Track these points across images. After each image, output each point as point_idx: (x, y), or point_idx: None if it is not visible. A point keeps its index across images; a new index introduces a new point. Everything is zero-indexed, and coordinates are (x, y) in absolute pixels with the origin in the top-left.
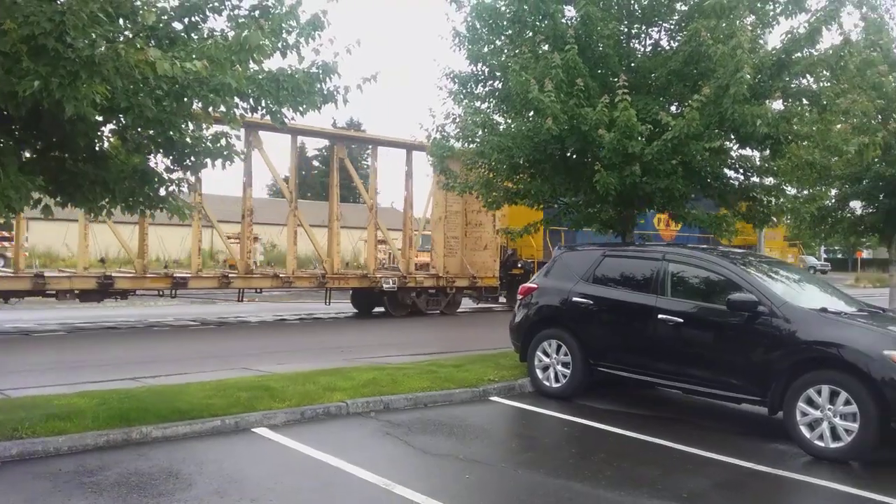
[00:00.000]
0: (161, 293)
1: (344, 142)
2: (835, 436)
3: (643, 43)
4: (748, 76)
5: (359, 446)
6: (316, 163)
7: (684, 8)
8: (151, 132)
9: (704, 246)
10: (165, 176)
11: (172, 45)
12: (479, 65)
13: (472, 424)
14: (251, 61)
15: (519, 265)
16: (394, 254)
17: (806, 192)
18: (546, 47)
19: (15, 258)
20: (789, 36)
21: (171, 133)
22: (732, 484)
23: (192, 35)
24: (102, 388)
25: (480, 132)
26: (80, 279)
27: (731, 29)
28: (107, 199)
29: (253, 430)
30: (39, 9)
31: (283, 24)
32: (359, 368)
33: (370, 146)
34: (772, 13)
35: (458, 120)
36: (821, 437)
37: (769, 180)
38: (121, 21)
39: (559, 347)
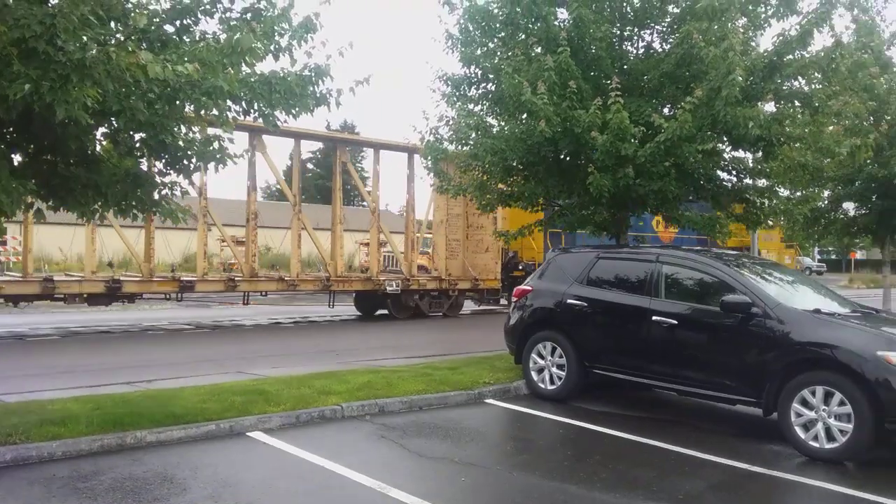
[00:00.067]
0: (168, 297)
1: (346, 145)
2: (829, 436)
3: (636, 45)
4: (740, 78)
5: (354, 450)
6: (310, 165)
7: (676, 10)
8: (143, 135)
9: (698, 248)
10: (158, 179)
11: (164, 47)
12: (472, 67)
13: (467, 427)
14: (243, 64)
15: (520, 267)
16: (394, 256)
17: (799, 193)
18: (539, 50)
19: (24, 263)
20: (781, 38)
21: (164, 136)
22: (728, 485)
23: (184, 38)
24: (97, 392)
25: (474, 134)
26: (89, 283)
27: (722, 31)
28: (99, 203)
29: (248, 434)
30: (30, 12)
31: (276, 27)
32: (354, 371)
33: (372, 150)
34: (763, 15)
35: (451, 122)
36: (815, 438)
37: (762, 182)
38: (112, 24)
39: (554, 349)
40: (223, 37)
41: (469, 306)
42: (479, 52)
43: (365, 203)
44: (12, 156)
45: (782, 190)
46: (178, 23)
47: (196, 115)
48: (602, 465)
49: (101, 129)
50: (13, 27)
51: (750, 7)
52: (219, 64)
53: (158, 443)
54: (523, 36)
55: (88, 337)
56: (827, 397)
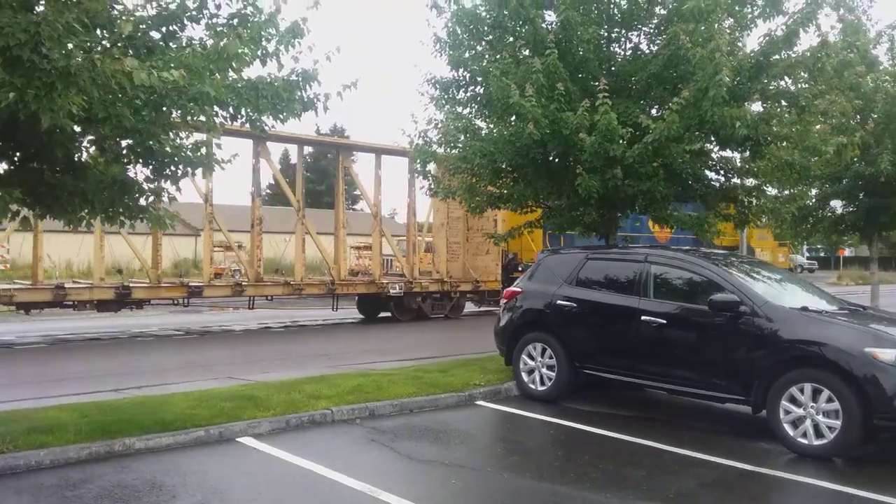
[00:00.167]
0: (175, 302)
1: (349, 151)
2: (818, 433)
3: (623, 47)
4: (727, 79)
5: (344, 454)
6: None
7: (663, 12)
8: (130, 142)
9: (687, 247)
10: (145, 186)
11: (150, 54)
12: (461, 70)
13: (457, 429)
14: (230, 70)
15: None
16: (390, 260)
17: (787, 192)
18: (526, 52)
19: (33, 271)
20: (767, 38)
21: (151, 143)
22: (718, 483)
23: (171, 44)
24: (85, 400)
25: (462, 137)
26: (99, 290)
27: (709, 32)
28: (86, 211)
29: (237, 439)
30: (14, 20)
31: (263, 32)
32: (344, 375)
33: (374, 154)
34: (750, 16)
35: (440, 125)
36: (804, 435)
37: (750, 181)
38: (98, 31)
39: (544, 350)
40: (210, 42)
41: (470, 307)
42: (467, 55)
43: (356, 207)
44: None
45: (770, 189)
46: (164, 29)
47: (183, 122)
48: (593, 465)
49: (88, 137)
50: None
51: (736, 8)
52: (205, 70)
53: (147, 450)
54: (511, 39)
55: (76, 344)
56: (815, 394)
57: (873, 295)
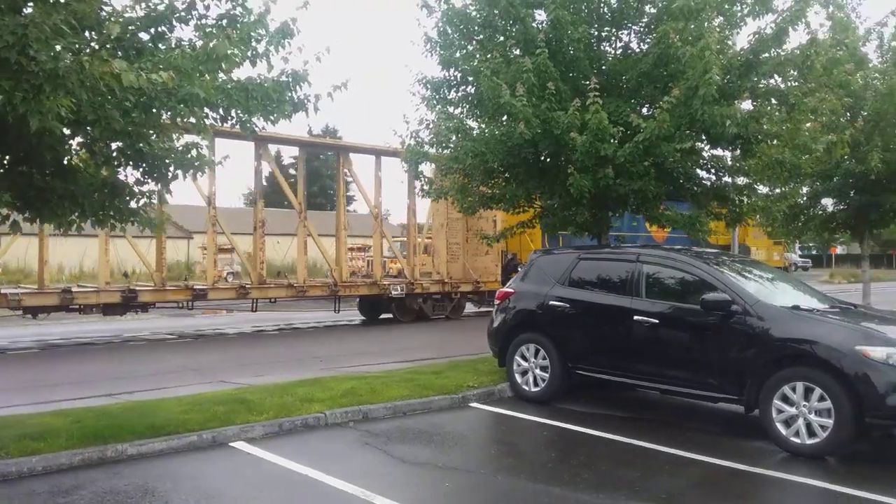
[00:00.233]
0: (180, 305)
1: (348, 153)
2: (810, 432)
3: (613, 46)
4: (717, 77)
5: (337, 457)
6: (292, 171)
7: (653, 10)
8: (120, 144)
9: (679, 247)
10: (136, 189)
11: (139, 55)
12: (451, 70)
13: (451, 432)
14: (219, 71)
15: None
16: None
17: (777, 190)
18: (517, 52)
19: (39, 275)
20: (757, 36)
21: (141, 145)
22: (711, 483)
23: (160, 45)
24: (77, 405)
25: (454, 137)
26: (106, 293)
27: (699, 31)
28: (76, 214)
29: (230, 444)
30: (2, 21)
31: (253, 33)
32: (337, 378)
33: (374, 156)
34: (739, 14)
35: (431, 126)
36: (797, 434)
37: (741, 180)
38: (86, 33)
39: (537, 351)
40: (199, 44)
41: (470, 308)
42: (457, 54)
43: (350, 208)
44: None
45: (761, 187)
46: (152, 30)
47: (173, 123)
48: (586, 466)
49: (77, 139)
50: None
51: (726, 6)
52: (194, 71)
53: (140, 455)
54: (501, 38)
55: (69, 349)
56: (807, 393)
57: (865, 293)
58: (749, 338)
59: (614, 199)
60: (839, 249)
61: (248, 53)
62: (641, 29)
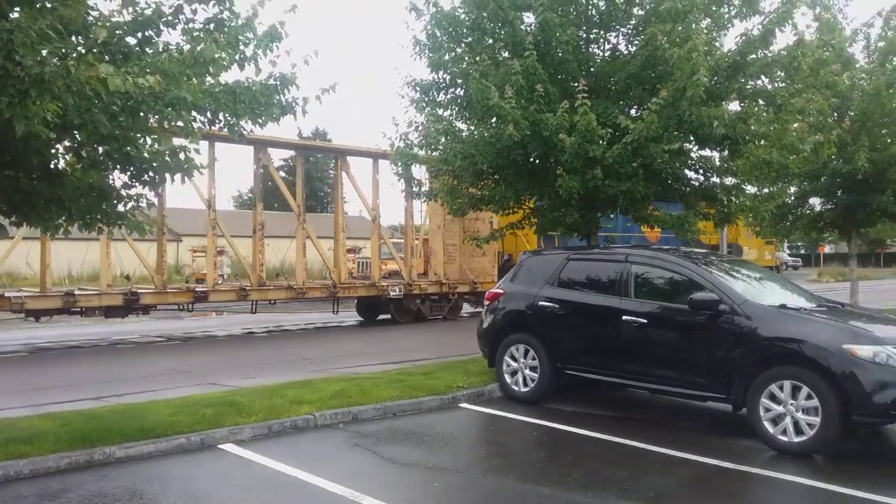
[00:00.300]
0: (181, 307)
1: (346, 156)
2: (798, 430)
3: (602, 48)
4: (704, 78)
5: (327, 459)
6: (282, 173)
7: (641, 12)
8: (107, 148)
9: (668, 247)
10: (123, 192)
11: (126, 59)
12: (440, 72)
13: (440, 432)
14: (207, 75)
15: None
16: (368, 263)
17: (766, 190)
18: (506, 54)
19: (42, 278)
20: (744, 38)
21: (128, 148)
22: (699, 482)
23: (147, 49)
24: (65, 409)
25: (443, 139)
26: (108, 296)
27: (686, 32)
28: (63, 218)
29: (219, 446)
30: None
31: (240, 37)
32: (327, 380)
33: (371, 159)
34: (726, 16)
35: (420, 128)
36: (784, 432)
37: (729, 180)
38: (73, 37)
39: (527, 352)
40: (186, 48)
41: (467, 308)
42: (446, 57)
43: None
44: None
45: (749, 187)
46: (140, 34)
47: (160, 127)
48: (575, 466)
49: (64, 143)
50: None
51: (713, 8)
52: (181, 75)
53: (128, 458)
54: (490, 41)
55: (57, 352)
56: (794, 391)
57: (852, 291)
58: (737, 337)
59: (603, 200)
60: (827, 248)
61: (236, 57)
62: (629, 31)
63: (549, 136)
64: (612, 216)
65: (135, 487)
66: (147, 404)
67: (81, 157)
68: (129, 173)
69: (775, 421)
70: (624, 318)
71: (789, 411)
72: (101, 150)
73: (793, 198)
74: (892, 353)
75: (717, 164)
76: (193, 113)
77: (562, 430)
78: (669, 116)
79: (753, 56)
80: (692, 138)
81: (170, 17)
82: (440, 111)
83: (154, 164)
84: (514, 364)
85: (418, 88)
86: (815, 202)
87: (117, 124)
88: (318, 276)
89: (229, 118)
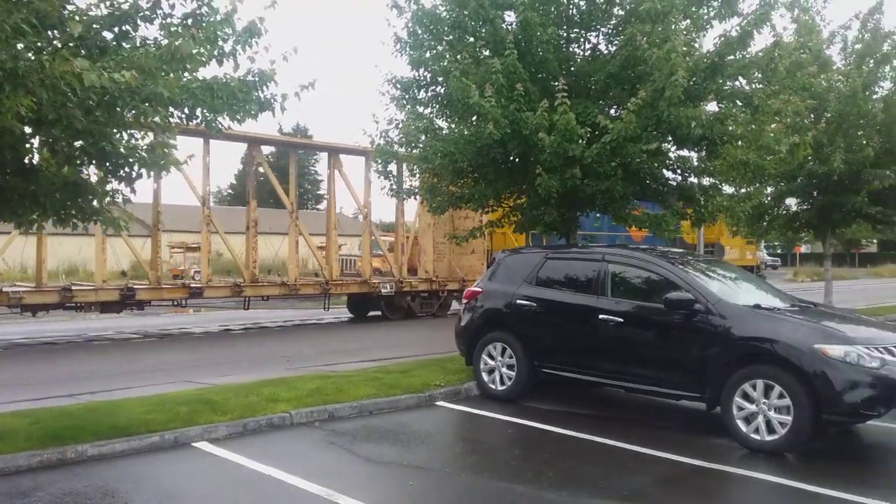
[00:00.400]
0: (175, 303)
1: (339, 154)
2: (770, 429)
3: (582, 47)
4: (682, 79)
5: (302, 457)
6: (261, 169)
7: (621, 13)
8: (83, 143)
9: (645, 246)
10: (99, 188)
11: (103, 54)
12: (421, 70)
13: (417, 430)
14: (184, 70)
15: None
16: (351, 260)
17: (743, 190)
18: (486, 53)
19: (37, 273)
20: (722, 39)
21: (104, 144)
22: (672, 480)
23: (124, 44)
24: (37, 406)
25: (423, 137)
26: (104, 292)
27: (665, 33)
28: (37, 213)
29: (193, 444)
30: None
31: (219, 32)
32: (304, 378)
33: (364, 157)
34: (705, 17)
35: (401, 125)
36: (756, 431)
37: (706, 180)
38: (48, 31)
39: (504, 350)
40: (164, 43)
41: (456, 306)
42: (427, 55)
43: (319, 207)
44: None
45: (726, 187)
46: (116, 29)
47: (136, 122)
48: (550, 464)
49: (39, 138)
50: None
51: (692, 9)
52: (158, 70)
53: (101, 456)
54: (471, 39)
55: (31, 349)
56: (767, 390)
57: (827, 291)
58: (711, 336)
59: (582, 199)
60: (804, 248)
61: (215, 52)
62: (609, 31)
63: (528, 135)
64: (598, 216)
65: (107, 486)
66: (121, 402)
67: (56, 152)
68: (104, 169)
69: (748, 419)
70: (600, 317)
71: (762, 410)
72: (76, 145)
73: (769, 198)
74: (862, 353)
75: (695, 164)
76: (170, 108)
77: (538, 429)
78: (648, 116)
79: (731, 57)
80: (670, 138)
81: (147, 12)
82: (421, 109)
83: (130, 160)
84: (492, 362)
85: (399, 86)
86: (792, 202)
87: (93, 119)
88: (306, 273)
89: (207, 114)
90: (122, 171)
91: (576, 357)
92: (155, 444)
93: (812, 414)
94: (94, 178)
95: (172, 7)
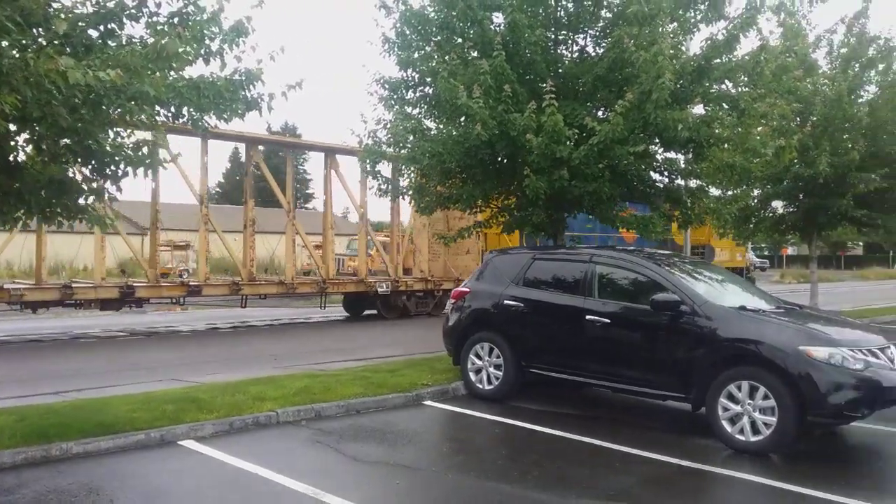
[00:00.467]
0: (174, 301)
1: (335, 154)
2: (755, 430)
3: (570, 49)
4: (669, 82)
5: (288, 456)
6: (252, 167)
7: (609, 15)
8: (68, 141)
9: (633, 248)
10: (84, 186)
11: (88, 52)
12: (409, 70)
13: (404, 430)
14: (170, 69)
15: None
16: (341, 259)
17: (729, 193)
18: (474, 54)
19: (37, 271)
20: (709, 42)
21: (89, 142)
22: (658, 480)
23: (109, 42)
24: (21, 403)
25: (411, 137)
26: (104, 289)
27: (653, 36)
28: (22, 211)
29: (179, 442)
30: None
31: (206, 31)
32: (292, 376)
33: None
34: (692, 20)
35: (389, 125)
36: (741, 432)
37: (693, 182)
38: (33, 29)
39: (491, 350)
40: (150, 41)
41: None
42: (415, 55)
43: (308, 206)
44: None
45: (713, 190)
46: (102, 27)
47: (122, 120)
48: (536, 464)
49: (23, 136)
50: None
51: (679, 12)
52: (144, 69)
53: (86, 454)
54: (459, 40)
55: (17, 346)
56: (752, 391)
57: (812, 293)
58: (697, 337)
59: (569, 201)
60: (790, 250)
61: (201, 51)
62: (597, 33)
63: (516, 136)
64: (590, 217)
65: (92, 483)
66: (107, 399)
67: (42, 149)
68: (90, 167)
69: (733, 420)
70: (587, 317)
71: (747, 411)
72: (61, 143)
73: (756, 200)
74: (847, 355)
75: (682, 166)
76: (156, 107)
77: (524, 428)
78: (635, 119)
79: (718, 60)
80: (657, 141)
81: (133, 11)
82: (409, 109)
83: (116, 158)
84: (479, 362)
85: (387, 86)
86: (778, 205)
87: (78, 117)
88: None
89: (193, 113)
90: (107, 170)
91: (563, 357)
92: (141, 442)
93: (796, 415)
94: (79, 177)
95: (158, 5)
